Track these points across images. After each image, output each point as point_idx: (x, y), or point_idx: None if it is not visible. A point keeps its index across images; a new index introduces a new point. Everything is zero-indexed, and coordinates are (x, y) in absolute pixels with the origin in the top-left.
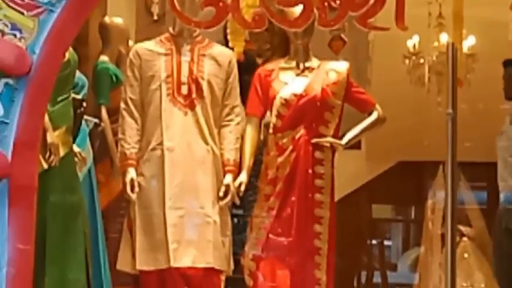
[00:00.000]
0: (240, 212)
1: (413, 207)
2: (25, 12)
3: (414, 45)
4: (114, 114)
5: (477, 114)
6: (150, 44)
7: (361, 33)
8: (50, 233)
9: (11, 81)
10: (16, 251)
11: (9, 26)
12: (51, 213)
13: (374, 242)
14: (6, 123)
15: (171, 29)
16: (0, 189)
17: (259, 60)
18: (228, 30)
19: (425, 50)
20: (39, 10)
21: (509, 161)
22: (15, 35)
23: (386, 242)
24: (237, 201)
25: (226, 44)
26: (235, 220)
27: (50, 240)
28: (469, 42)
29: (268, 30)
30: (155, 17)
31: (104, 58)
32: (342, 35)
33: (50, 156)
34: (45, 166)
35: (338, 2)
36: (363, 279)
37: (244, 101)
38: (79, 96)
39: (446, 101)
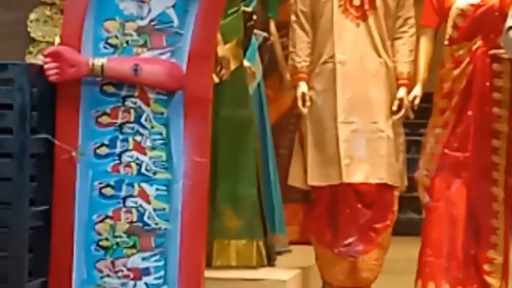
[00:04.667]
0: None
1: None
2: None
3: None
4: (283, 28)
5: None
6: None
7: None
8: (222, 148)
9: None
10: (192, 163)
11: None
12: (222, 127)
13: None
14: (181, 34)
15: None
16: (176, 100)
17: None
18: None
19: None
20: None
21: None
22: None
23: None
24: (411, 116)
25: None
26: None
27: (221, 155)
28: None
29: None
30: None
31: None
32: None
33: (220, 70)
34: (216, 80)
35: None
36: None
37: None
38: (249, 9)
39: None
